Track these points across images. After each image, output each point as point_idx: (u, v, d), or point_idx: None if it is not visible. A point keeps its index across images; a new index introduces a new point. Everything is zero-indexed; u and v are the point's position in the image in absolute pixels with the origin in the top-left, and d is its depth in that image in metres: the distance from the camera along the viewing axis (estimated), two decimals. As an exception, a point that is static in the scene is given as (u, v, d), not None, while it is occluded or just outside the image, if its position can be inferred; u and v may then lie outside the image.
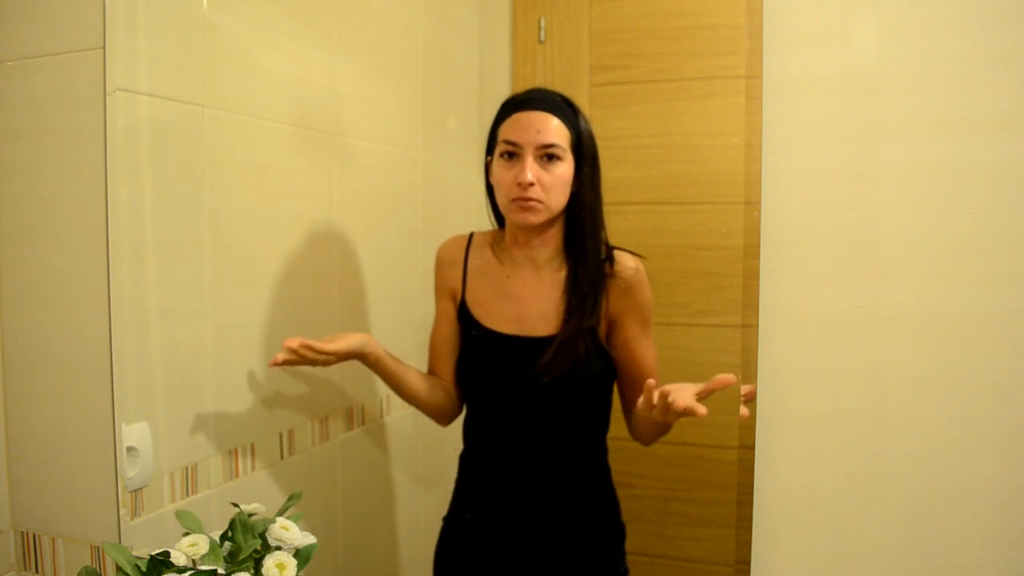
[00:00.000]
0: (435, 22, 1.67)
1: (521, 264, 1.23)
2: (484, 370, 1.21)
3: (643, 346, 1.18)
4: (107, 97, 1.01)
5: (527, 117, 1.16)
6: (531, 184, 1.13)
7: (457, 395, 1.27)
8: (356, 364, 1.24)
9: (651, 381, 1.02)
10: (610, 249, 1.20)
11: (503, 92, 1.23)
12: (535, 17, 1.62)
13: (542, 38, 1.61)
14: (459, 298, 1.25)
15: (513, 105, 1.19)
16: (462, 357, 1.25)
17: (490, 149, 1.21)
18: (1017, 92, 0.77)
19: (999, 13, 0.78)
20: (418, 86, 1.60)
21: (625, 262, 1.20)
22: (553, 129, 1.14)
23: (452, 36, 1.72)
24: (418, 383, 1.24)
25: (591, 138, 1.19)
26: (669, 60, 1.52)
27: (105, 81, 1.01)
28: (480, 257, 1.26)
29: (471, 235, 1.29)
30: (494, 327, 1.21)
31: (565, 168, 1.15)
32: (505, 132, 1.17)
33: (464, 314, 1.24)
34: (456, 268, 1.27)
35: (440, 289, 1.29)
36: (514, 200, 1.15)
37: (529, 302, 1.21)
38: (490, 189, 1.23)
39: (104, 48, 1.01)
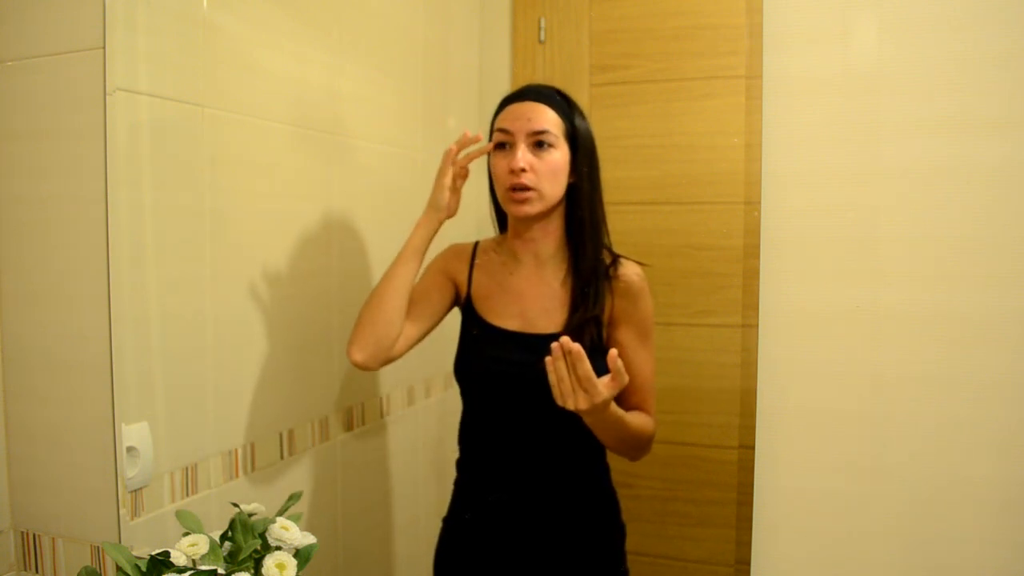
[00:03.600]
0: (435, 22, 1.67)
1: (524, 261, 1.23)
2: (488, 366, 1.21)
3: (639, 357, 1.18)
4: (107, 97, 1.01)
5: (519, 107, 1.17)
6: (523, 170, 1.13)
7: (400, 333, 1.21)
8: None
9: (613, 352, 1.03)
10: (615, 256, 1.21)
11: (503, 92, 1.23)
12: (535, 17, 1.62)
13: (542, 38, 1.61)
14: (464, 295, 1.26)
15: (508, 99, 1.20)
16: (464, 355, 1.24)
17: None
18: (1017, 92, 0.77)
19: (999, 13, 0.78)
20: (418, 86, 1.61)
21: (629, 267, 1.20)
22: (544, 117, 1.15)
23: (452, 36, 1.72)
24: (407, 284, 1.21)
25: (588, 132, 1.19)
26: (669, 60, 1.52)
27: (105, 81, 1.01)
28: (484, 257, 1.27)
29: (476, 243, 1.30)
30: (498, 323, 1.22)
31: (559, 156, 1.16)
32: (498, 123, 1.19)
33: (469, 311, 1.25)
34: (463, 262, 1.27)
35: (439, 267, 1.27)
36: (509, 189, 1.16)
37: (532, 299, 1.22)
38: (492, 189, 1.24)
39: (104, 48, 1.01)
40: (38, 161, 1.06)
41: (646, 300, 1.20)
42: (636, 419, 1.15)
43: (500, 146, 1.17)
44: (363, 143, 1.45)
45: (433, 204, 1.21)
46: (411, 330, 1.23)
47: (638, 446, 1.18)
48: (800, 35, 0.84)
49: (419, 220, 1.22)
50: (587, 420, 1.09)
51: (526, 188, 1.14)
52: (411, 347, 1.24)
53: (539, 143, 1.15)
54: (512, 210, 1.18)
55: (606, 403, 1.04)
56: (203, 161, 1.12)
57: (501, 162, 1.17)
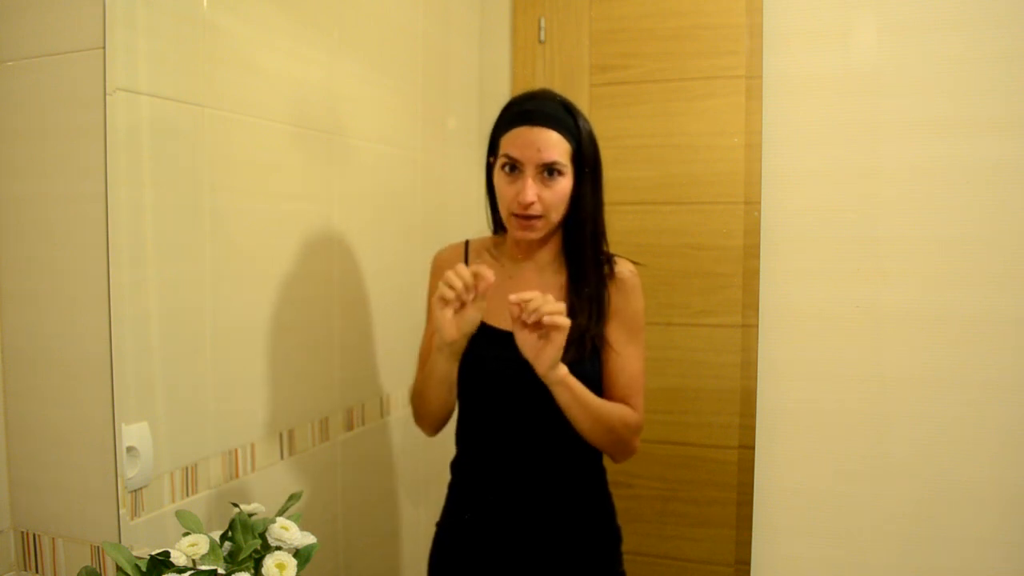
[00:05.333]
0: (435, 22, 1.67)
1: (523, 265, 1.23)
2: (486, 365, 1.21)
3: (627, 352, 1.17)
4: (107, 97, 1.01)
5: (528, 134, 1.15)
6: (532, 203, 1.14)
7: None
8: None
9: (512, 297, 1.06)
10: (610, 256, 1.21)
11: (503, 92, 1.23)
12: (535, 17, 1.62)
13: (542, 38, 1.61)
14: None
15: (514, 116, 1.18)
16: (461, 355, 1.24)
17: (492, 150, 1.21)
18: (1017, 92, 0.78)
19: (999, 13, 0.78)
20: (418, 86, 1.60)
21: (623, 265, 1.21)
22: (554, 145, 1.14)
23: (452, 36, 1.72)
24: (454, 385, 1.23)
25: (592, 142, 1.18)
26: (669, 60, 1.52)
27: (105, 81, 1.01)
28: (479, 259, 1.26)
29: (467, 242, 1.29)
30: (497, 325, 1.21)
31: (566, 183, 1.16)
32: (506, 146, 1.17)
33: None
34: None
35: None
36: (514, 215, 1.16)
37: None
38: (490, 190, 1.23)
39: (104, 48, 1.01)
40: (38, 161, 1.06)
41: (638, 297, 1.20)
42: (606, 403, 1.15)
43: (507, 167, 1.16)
44: (363, 143, 1.45)
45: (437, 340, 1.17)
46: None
47: (612, 428, 1.16)
48: (800, 35, 0.84)
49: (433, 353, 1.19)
50: (557, 390, 1.10)
51: (533, 216, 1.15)
52: None
53: (548, 171, 1.15)
54: (517, 235, 1.19)
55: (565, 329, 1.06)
56: (203, 161, 1.12)
57: (508, 187, 1.16)
